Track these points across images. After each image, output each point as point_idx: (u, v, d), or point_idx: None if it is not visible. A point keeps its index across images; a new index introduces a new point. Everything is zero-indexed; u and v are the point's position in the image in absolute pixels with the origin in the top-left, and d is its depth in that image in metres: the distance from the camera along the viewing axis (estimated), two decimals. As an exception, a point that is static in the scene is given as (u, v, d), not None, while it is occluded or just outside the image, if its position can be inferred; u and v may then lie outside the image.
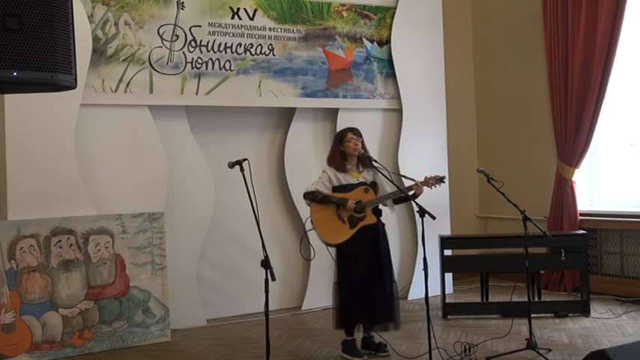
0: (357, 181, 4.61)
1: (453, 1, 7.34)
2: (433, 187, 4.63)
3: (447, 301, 5.78)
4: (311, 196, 4.52)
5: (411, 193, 4.56)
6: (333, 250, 4.62)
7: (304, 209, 4.68)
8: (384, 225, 4.69)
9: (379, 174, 4.66)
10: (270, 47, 5.87)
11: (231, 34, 5.69)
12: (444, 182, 4.64)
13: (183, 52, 5.49)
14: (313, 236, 4.66)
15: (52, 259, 4.84)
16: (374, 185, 4.66)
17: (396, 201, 4.71)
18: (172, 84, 5.46)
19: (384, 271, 4.58)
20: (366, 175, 4.67)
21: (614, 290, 6.20)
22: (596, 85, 6.14)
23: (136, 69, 5.32)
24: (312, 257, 4.67)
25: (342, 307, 4.56)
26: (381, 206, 4.68)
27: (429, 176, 4.62)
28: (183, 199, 5.57)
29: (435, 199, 5.82)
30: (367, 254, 4.56)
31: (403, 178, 4.74)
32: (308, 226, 4.64)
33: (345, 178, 4.59)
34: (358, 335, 4.68)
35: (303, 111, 6.17)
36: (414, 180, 4.60)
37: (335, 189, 4.56)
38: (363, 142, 4.64)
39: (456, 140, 7.17)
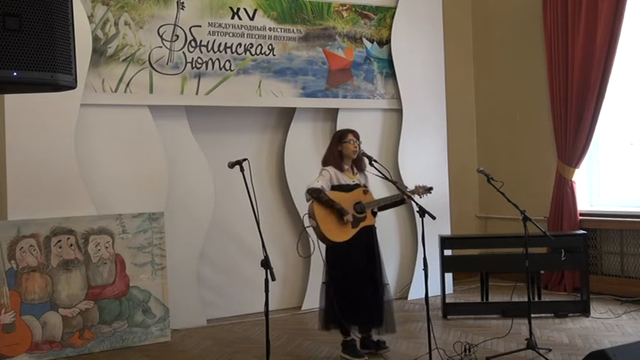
0: (353, 183, 4.62)
1: (453, 1, 7.34)
2: (422, 196, 4.71)
3: (447, 301, 5.77)
4: (316, 194, 4.46)
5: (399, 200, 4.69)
6: (324, 248, 4.60)
7: (304, 209, 4.67)
8: (376, 228, 4.70)
9: (368, 180, 4.74)
10: (270, 47, 5.87)
11: (231, 34, 5.69)
12: (430, 193, 4.76)
13: (183, 52, 5.49)
14: (311, 233, 4.64)
15: (52, 259, 4.84)
16: None
17: (382, 207, 4.74)
18: (172, 84, 5.46)
19: (376, 274, 4.59)
20: (360, 178, 4.68)
21: (614, 290, 6.20)
22: (596, 85, 6.14)
23: (136, 69, 5.32)
24: (309, 254, 4.66)
25: (330, 308, 4.54)
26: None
27: (419, 185, 4.72)
28: (183, 199, 5.57)
29: (435, 199, 5.81)
30: (362, 255, 4.56)
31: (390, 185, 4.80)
32: (306, 222, 4.61)
33: (343, 178, 4.59)
34: (357, 335, 4.67)
35: (303, 111, 6.17)
36: (405, 187, 4.68)
37: (334, 188, 4.55)
38: (359, 146, 4.65)
39: (456, 140, 7.17)
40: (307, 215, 4.52)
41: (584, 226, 6.33)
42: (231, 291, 5.93)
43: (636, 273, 6.16)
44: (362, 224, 4.54)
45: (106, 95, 5.22)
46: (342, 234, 4.49)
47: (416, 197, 4.58)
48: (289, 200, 6.11)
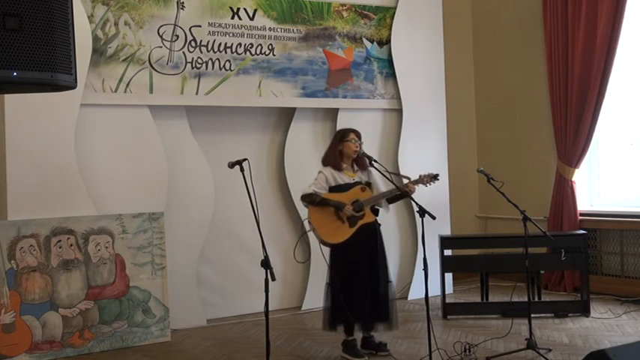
0: (353, 181, 4.61)
1: (453, 1, 7.34)
2: (428, 184, 4.63)
3: (447, 301, 5.78)
4: (309, 199, 4.51)
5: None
6: (326, 250, 4.59)
7: (304, 209, 4.68)
8: (380, 225, 4.69)
9: (373, 175, 4.69)
10: (270, 47, 5.87)
11: (231, 34, 5.69)
12: (438, 179, 4.66)
13: (183, 52, 5.49)
14: (311, 237, 4.65)
15: (52, 259, 4.84)
16: (369, 186, 4.66)
17: (391, 200, 4.71)
18: (172, 84, 5.46)
19: (380, 271, 4.58)
20: (361, 176, 4.67)
21: (614, 290, 6.20)
22: (596, 85, 6.14)
23: (136, 69, 5.32)
24: (307, 259, 4.66)
25: (334, 308, 4.54)
26: (376, 206, 4.68)
27: (423, 174, 4.63)
28: (183, 199, 5.57)
29: (435, 199, 5.83)
30: (364, 253, 4.55)
31: (396, 177, 4.74)
32: (306, 227, 4.62)
33: (342, 178, 4.58)
34: (358, 335, 4.67)
35: (303, 111, 6.17)
36: (408, 178, 4.61)
37: (332, 189, 4.55)
38: (361, 146, 4.64)
39: (456, 140, 7.17)
40: (307, 220, 4.53)
41: (584, 226, 6.33)
42: (231, 291, 5.93)
43: (636, 273, 6.16)
44: (360, 222, 4.53)
45: (106, 95, 5.22)
46: (340, 235, 4.48)
47: (419, 187, 4.56)
48: (289, 200, 6.11)
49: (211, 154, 5.71)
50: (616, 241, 6.32)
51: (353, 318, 4.49)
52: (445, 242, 5.78)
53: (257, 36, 5.81)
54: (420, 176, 4.62)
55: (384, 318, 4.59)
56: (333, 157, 4.64)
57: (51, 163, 4.96)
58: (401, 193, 4.62)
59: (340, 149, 4.63)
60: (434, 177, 4.63)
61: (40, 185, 4.93)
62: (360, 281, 4.51)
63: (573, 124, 6.37)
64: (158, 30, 5.40)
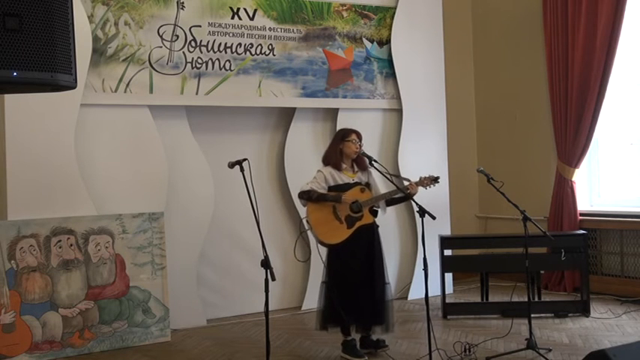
0: (353, 181, 4.60)
1: (453, 1, 7.34)
2: (428, 187, 4.62)
3: (447, 301, 5.78)
4: (306, 196, 4.50)
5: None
6: (323, 249, 4.57)
7: (304, 209, 4.68)
8: (378, 226, 4.68)
9: (373, 176, 4.69)
10: (270, 47, 5.87)
11: (231, 34, 5.69)
12: (438, 182, 4.64)
13: (183, 52, 5.49)
14: (310, 236, 4.65)
15: (52, 259, 4.84)
16: (367, 187, 4.65)
17: (389, 202, 4.70)
18: (172, 84, 5.46)
19: (377, 273, 4.57)
20: (361, 176, 4.67)
21: (614, 290, 6.20)
22: (596, 85, 6.14)
23: (136, 69, 5.32)
24: (307, 257, 4.66)
25: (328, 308, 4.52)
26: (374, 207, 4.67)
27: (423, 176, 4.60)
28: (183, 199, 5.58)
29: (435, 199, 5.82)
30: (362, 254, 4.54)
31: (397, 178, 4.74)
32: (305, 226, 4.62)
33: (341, 177, 4.58)
34: (357, 335, 4.66)
35: (303, 111, 6.17)
36: (409, 180, 4.61)
37: (330, 189, 4.54)
38: (361, 146, 4.64)
39: (456, 140, 7.17)
40: (305, 219, 4.53)
41: (584, 226, 6.33)
42: (231, 291, 5.93)
43: (636, 273, 6.16)
44: (358, 223, 4.52)
45: (106, 95, 5.22)
46: (337, 235, 4.47)
47: (420, 188, 4.55)
48: (289, 200, 6.11)
49: (211, 154, 5.71)
50: (616, 241, 6.32)
51: (346, 319, 4.47)
52: (445, 242, 5.78)
53: (257, 36, 5.81)
54: (420, 178, 4.60)
55: (380, 321, 4.57)
56: (334, 156, 4.63)
57: (51, 163, 4.96)
58: (401, 197, 4.63)
59: (341, 148, 4.63)
60: (434, 180, 4.59)
61: (40, 185, 4.93)
62: (356, 283, 4.50)
63: (573, 124, 6.37)
64: (158, 30, 5.40)
